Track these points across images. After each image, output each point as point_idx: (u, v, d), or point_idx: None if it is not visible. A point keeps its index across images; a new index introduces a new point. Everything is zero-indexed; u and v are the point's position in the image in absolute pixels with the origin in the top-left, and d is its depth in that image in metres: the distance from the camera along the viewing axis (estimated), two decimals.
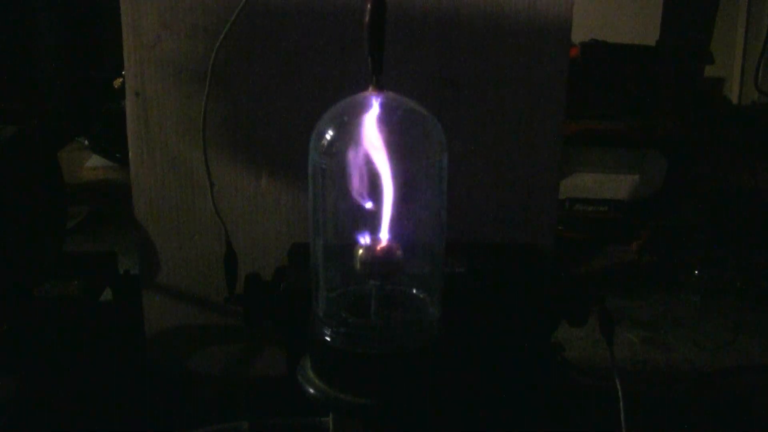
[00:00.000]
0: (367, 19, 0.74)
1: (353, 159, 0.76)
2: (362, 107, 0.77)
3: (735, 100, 2.51)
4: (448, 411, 0.82)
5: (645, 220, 1.97)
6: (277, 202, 1.16)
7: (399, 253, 0.78)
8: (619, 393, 0.89)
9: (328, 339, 0.78)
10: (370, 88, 0.77)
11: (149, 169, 1.16)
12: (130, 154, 1.16)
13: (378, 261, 0.77)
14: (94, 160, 2.19)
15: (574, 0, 1.12)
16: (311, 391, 0.78)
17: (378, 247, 0.77)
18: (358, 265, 0.78)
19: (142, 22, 1.10)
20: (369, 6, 0.74)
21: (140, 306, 1.20)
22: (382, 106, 0.77)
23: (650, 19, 2.24)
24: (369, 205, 0.77)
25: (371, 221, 0.78)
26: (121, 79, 1.19)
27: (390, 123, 0.77)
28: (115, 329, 1.23)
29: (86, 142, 2.22)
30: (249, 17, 1.08)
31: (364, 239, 0.78)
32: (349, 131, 0.77)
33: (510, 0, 1.11)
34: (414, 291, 0.83)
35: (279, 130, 1.14)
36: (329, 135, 0.79)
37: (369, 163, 0.76)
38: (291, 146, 1.14)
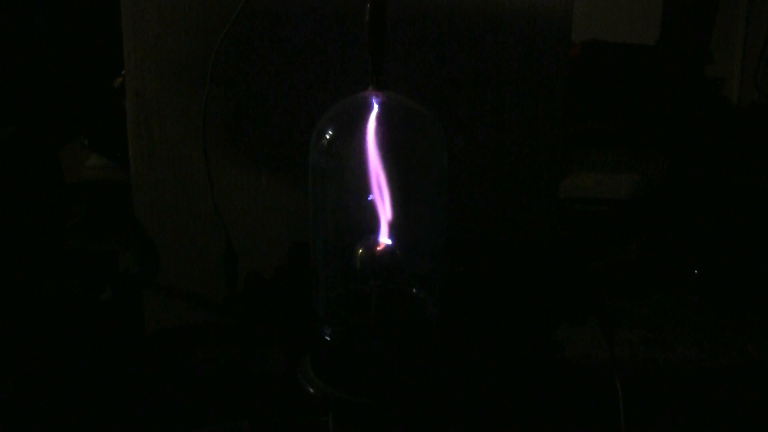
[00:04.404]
0: (367, 18, 0.74)
1: (353, 158, 0.76)
2: (362, 107, 0.77)
3: (735, 100, 2.51)
4: (447, 411, 0.82)
5: (645, 220, 1.97)
6: (277, 202, 1.16)
7: (399, 252, 0.78)
8: (619, 393, 0.89)
9: (328, 339, 0.78)
10: (370, 88, 0.77)
11: (149, 169, 1.16)
12: (130, 153, 1.16)
13: (378, 260, 0.77)
14: (94, 160, 2.19)
15: (574, 0, 1.12)
16: (311, 390, 0.78)
17: (378, 247, 0.77)
18: (358, 265, 0.78)
19: (142, 22, 1.11)
20: (369, 5, 0.74)
21: (140, 306, 1.21)
22: (382, 105, 0.77)
23: (650, 19, 2.24)
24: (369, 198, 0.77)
25: (371, 221, 0.78)
26: (121, 79, 1.19)
27: (390, 122, 0.77)
28: (115, 329, 1.23)
29: (86, 142, 2.22)
30: (249, 17, 1.08)
31: (365, 239, 0.78)
32: (349, 131, 0.77)
33: (510, 0, 1.11)
34: (414, 291, 0.83)
35: (279, 130, 1.14)
36: (329, 134, 0.79)
37: (369, 163, 0.76)
38: (291, 146, 1.14)
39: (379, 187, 0.76)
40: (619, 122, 2.03)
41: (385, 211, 0.77)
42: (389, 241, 0.78)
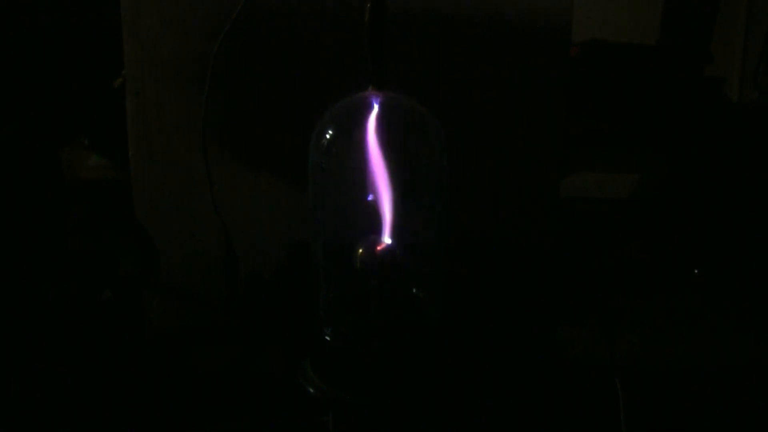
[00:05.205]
0: (367, 18, 0.74)
1: (353, 159, 0.76)
2: (362, 107, 0.77)
3: (735, 100, 2.50)
4: (447, 411, 0.82)
5: (645, 220, 1.97)
6: (277, 202, 1.16)
7: (399, 252, 0.78)
8: (619, 393, 0.89)
9: (328, 339, 0.78)
10: (370, 88, 0.77)
11: (149, 169, 1.16)
12: (130, 154, 1.16)
13: (378, 261, 0.77)
14: (94, 160, 2.19)
15: (573, 0, 1.12)
16: (311, 390, 0.78)
17: (378, 247, 0.77)
18: (358, 265, 0.78)
19: (142, 22, 1.11)
20: (369, 5, 0.74)
21: (140, 306, 1.20)
22: (382, 106, 0.77)
23: (650, 19, 2.24)
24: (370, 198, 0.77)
25: (371, 221, 0.78)
26: (121, 79, 1.19)
27: (390, 123, 0.77)
28: (115, 329, 1.23)
29: (86, 142, 2.22)
30: (249, 17, 1.08)
31: (365, 239, 0.78)
32: (349, 131, 0.77)
33: (510, 0, 1.11)
34: (414, 291, 0.83)
35: (279, 130, 1.14)
36: (329, 135, 0.79)
37: (369, 163, 0.76)
38: (291, 146, 1.13)
39: (379, 187, 0.76)
40: (619, 122, 2.03)
41: (385, 212, 0.77)
42: (389, 242, 0.77)
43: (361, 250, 0.77)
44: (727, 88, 2.50)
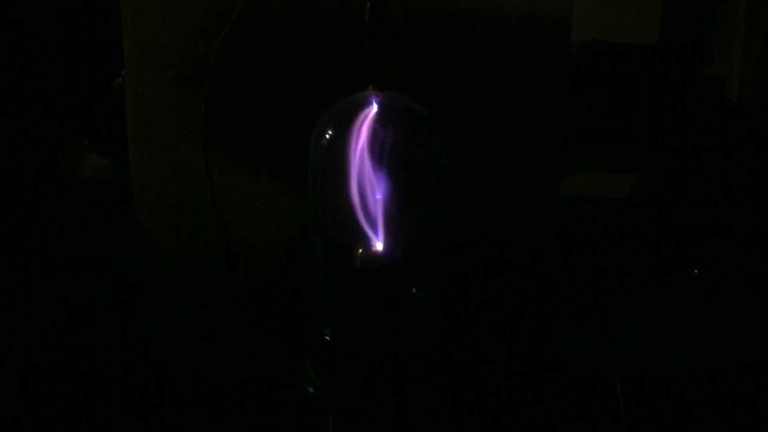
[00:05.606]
0: (367, 18, 0.75)
1: (353, 159, 0.77)
2: (362, 107, 0.77)
3: (735, 100, 2.50)
4: (447, 411, 0.82)
5: (645, 220, 1.97)
6: (277, 202, 1.16)
7: (399, 252, 0.78)
8: (619, 393, 0.89)
9: (328, 339, 0.78)
10: (370, 88, 0.77)
11: (149, 169, 1.16)
12: (130, 154, 1.16)
13: (378, 261, 0.77)
14: (94, 160, 2.19)
15: (574, 0, 1.12)
16: (311, 390, 0.78)
17: (378, 247, 0.77)
18: (357, 265, 0.78)
19: (142, 22, 1.11)
20: (369, 5, 0.74)
21: (140, 306, 1.20)
22: (382, 105, 0.77)
23: (650, 19, 2.24)
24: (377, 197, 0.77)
25: (371, 221, 0.78)
26: (121, 79, 1.19)
27: (390, 123, 0.77)
28: (115, 329, 1.23)
29: (86, 142, 2.22)
30: (249, 18, 1.08)
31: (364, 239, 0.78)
32: (349, 131, 0.77)
33: (510, 0, 1.11)
34: (413, 291, 0.83)
35: (279, 130, 1.14)
36: (329, 134, 0.79)
37: (369, 163, 0.76)
38: (291, 146, 1.13)
39: (379, 188, 0.77)
40: (619, 122, 2.03)
41: (385, 212, 0.77)
42: (388, 242, 0.78)
43: (361, 250, 0.78)
44: (727, 88, 2.50)
